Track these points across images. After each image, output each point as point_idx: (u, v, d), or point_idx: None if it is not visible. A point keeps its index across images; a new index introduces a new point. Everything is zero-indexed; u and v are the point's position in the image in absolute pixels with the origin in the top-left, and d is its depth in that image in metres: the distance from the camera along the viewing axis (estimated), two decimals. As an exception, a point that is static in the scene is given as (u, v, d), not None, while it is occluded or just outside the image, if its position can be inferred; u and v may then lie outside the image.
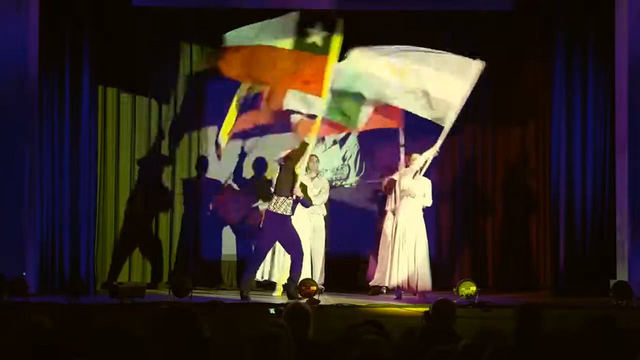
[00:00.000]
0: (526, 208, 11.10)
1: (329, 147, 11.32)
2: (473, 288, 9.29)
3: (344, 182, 11.34)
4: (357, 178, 11.28)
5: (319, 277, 10.17)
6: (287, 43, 9.32)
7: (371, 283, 10.23)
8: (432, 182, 10.04)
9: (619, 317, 4.37)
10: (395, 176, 9.94)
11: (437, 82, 9.14)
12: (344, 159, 11.34)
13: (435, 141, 9.44)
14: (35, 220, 10.03)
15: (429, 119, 9.27)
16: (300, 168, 9.63)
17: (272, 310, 8.03)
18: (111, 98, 10.92)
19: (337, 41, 9.21)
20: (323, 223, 10.42)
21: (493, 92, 11.07)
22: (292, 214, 9.60)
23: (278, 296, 10.03)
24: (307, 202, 9.70)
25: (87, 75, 10.30)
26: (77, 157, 10.24)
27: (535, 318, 4.68)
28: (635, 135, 10.09)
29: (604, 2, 10.31)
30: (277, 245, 9.91)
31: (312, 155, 10.60)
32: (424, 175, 9.77)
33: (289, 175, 9.57)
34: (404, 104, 9.30)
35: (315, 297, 9.22)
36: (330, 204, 10.64)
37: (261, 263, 9.86)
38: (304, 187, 9.64)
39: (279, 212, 9.51)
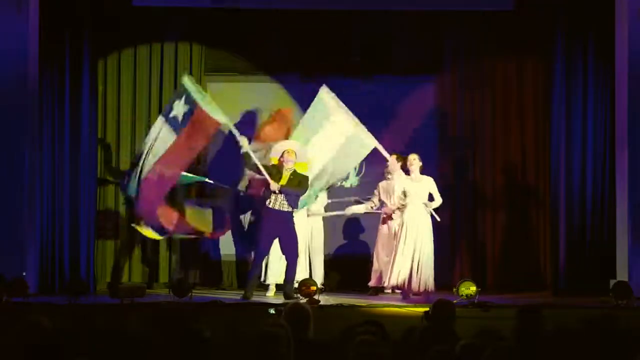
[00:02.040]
0: (526, 208, 11.10)
1: (329, 147, 11.31)
2: (473, 288, 9.29)
3: (343, 182, 11.33)
4: (357, 178, 11.28)
5: (318, 277, 10.17)
6: None
7: (370, 284, 10.23)
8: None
9: (619, 317, 4.37)
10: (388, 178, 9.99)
11: None
12: (344, 159, 11.32)
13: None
14: (35, 220, 10.03)
15: None
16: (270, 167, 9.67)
17: (272, 310, 8.03)
18: (111, 98, 10.91)
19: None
20: (322, 223, 10.42)
21: (493, 92, 11.07)
22: (292, 209, 9.61)
23: (271, 296, 10.03)
24: (293, 191, 9.62)
25: (87, 75, 10.29)
26: (77, 157, 10.23)
27: (535, 318, 4.67)
28: (635, 135, 10.08)
29: (604, 2, 10.31)
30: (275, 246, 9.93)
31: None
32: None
33: (261, 179, 9.65)
34: None
35: (315, 297, 9.22)
36: (331, 203, 10.65)
37: (263, 261, 9.84)
38: (275, 175, 9.58)
39: (276, 207, 9.54)
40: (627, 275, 9.88)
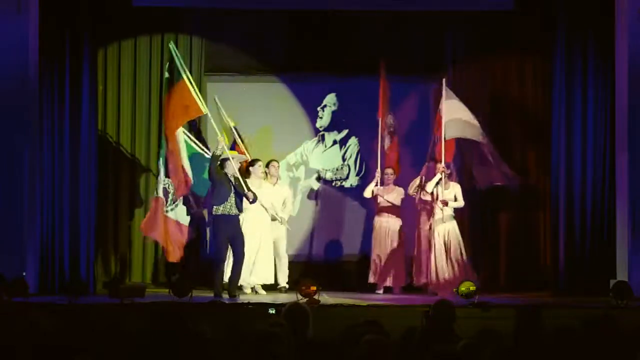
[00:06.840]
0: (526, 208, 11.09)
1: (329, 147, 11.32)
2: (473, 288, 9.29)
3: (344, 182, 11.34)
4: (357, 178, 11.28)
5: (282, 277, 10.36)
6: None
7: (415, 283, 10.41)
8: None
9: (619, 317, 4.37)
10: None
11: None
12: (344, 159, 11.34)
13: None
14: (35, 220, 10.03)
15: None
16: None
17: (272, 310, 8.04)
18: (111, 98, 10.91)
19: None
20: (285, 224, 10.45)
21: (493, 92, 11.07)
22: (240, 213, 9.66)
23: (265, 295, 10.06)
24: (249, 197, 9.64)
25: (87, 75, 10.29)
26: (77, 157, 10.23)
27: (535, 318, 4.68)
28: (635, 135, 10.08)
29: (604, 2, 10.31)
30: (264, 249, 10.10)
31: (272, 160, 10.59)
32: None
33: (224, 184, 9.60)
34: None
35: (315, 297, 9.21)
36: (331, 203, 10.65)
37: (224, 263, 9.82)
38: (244, 182, 9.64)
39: (225, 213, 9.58)
40: (627, 275, 9.88)
